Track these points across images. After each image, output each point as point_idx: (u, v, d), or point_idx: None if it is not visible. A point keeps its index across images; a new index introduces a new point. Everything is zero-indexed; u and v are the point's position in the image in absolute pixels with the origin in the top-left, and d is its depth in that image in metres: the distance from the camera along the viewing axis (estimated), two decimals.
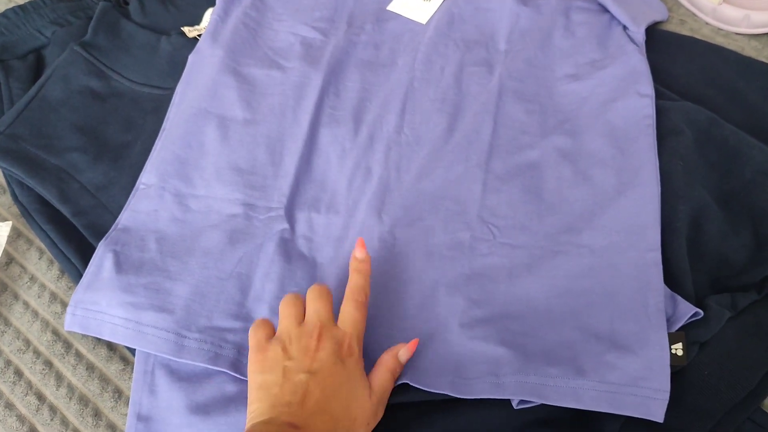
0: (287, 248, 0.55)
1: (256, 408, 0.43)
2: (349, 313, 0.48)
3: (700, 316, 0.48)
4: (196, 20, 0.74)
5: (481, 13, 0.70)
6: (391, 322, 0.51)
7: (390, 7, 0.72)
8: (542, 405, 0.47)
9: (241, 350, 0.51)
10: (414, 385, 0.48)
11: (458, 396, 0.47)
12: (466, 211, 0.56)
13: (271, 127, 0.62)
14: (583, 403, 0.45)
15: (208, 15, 0.73)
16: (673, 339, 0.47)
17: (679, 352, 0.46)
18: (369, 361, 0.49)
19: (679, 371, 0.47)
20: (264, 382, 0.44)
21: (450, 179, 0.58)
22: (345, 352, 0.45)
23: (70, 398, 0.53)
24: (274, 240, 0.55)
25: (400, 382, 0.48)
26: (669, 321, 0.48)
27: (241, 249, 0.55)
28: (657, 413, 0.45)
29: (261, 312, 0.52)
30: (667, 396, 0.45)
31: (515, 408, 0.47)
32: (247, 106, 0.64)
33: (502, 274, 0.53)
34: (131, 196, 0.59)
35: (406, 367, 0.49)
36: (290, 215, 0.57)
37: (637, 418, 0.45)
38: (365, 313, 0.48)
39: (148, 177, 0.60)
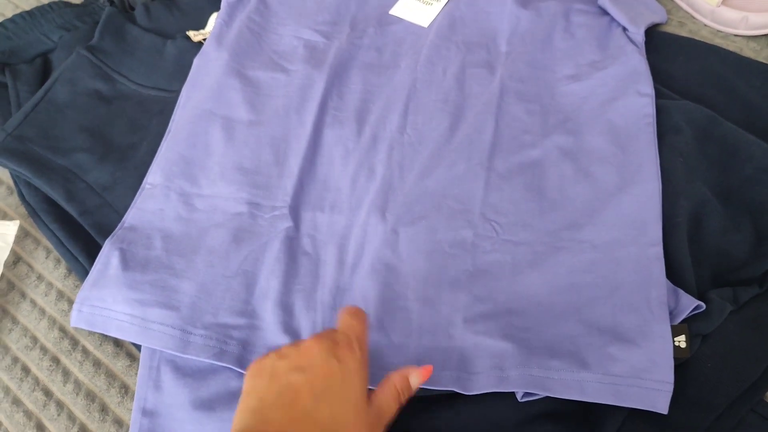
0: (292, 246, 0.56)
1: (238, 418, 0.39)
2: (347, 321, 0.45)
3: (702, 309, 0.48)
4: (200, 24, 0.75)
5: (482, 16, 0.71)
6: (395, 320, 0.52)
7: (392, 11, 0.73)
8: (546, 398, 0.47)
9: (246, 346, 0.51)
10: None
11: (464, 392, 0.47)
12: (469, 209, 0.56)
13: (276, 128, 0.63)
14: (587, 396, 0.46)
15: (213, 19, 0.74)
16: (676, 331, 0.47)
17: (682, 344, 0.47)
18: (374, 367, 0.48)
19: (681, 364, 0.48)
20: (253, 386, 0.40)
21: (452, 178, 0.58)
22: (343, 351, 0.41)
23: (77, 394, 0.53)
24: (278, 238, 0.56)
25: None
26: (671, 314, 0.48)
27: (247, 247, 0.56)
28: (661, 405, 0.45)
29: (266, 308, 0.52)
30: (671, 388, 0.45)
31: (520, 401, 0.48)
32: (251, 107, 0.64)
33: (504, 271, 0.53)
34: (137, 195, 0.59)
35: (409, 365, 0.49)
36: (295, 214, 0.58)
37: (641, 410, 0.45)
38: (364, 325, 0.45)
39: (153, 177, 0.60)
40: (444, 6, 0.72)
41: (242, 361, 0.50)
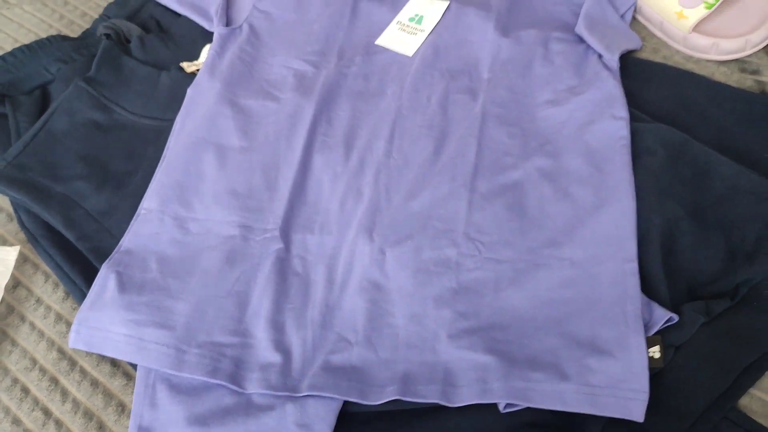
0: (282, 267, 0.58)
1: None
2: None
3: (674, 321, 0.50)
4: (194, 56, 0.78)
5: (465, 44, 0.74)
6: (382, 336, 0.53)
7: (378, 41, 0.76)
8: (527, 408, 0.49)
9: (239, 364, 0.52)
10: (405, 399, 0.50)
11: (449, 405, 0.49)
12: (453, 229, 0.58)
13: (267, 153, 0.65)
14: (567, 406, 0.47)
15: (206, 51, 0.77)
16: (650, 342, 0.49)
17: (656, 355, 0.49)
18: (363, 382, 0.50)
19: (656, 374, 0.50)
20: None
21: (437, 199, 0.60)
22: None
23: (75, 413, 0.55)
24: (270, 259, 0.58)
25: (390, 398, 0.50)
26: (646, 326, 0.50)
27: (239, 268, 0.58)
28: (637, 414, 0.47)
29: (258, 327, 0.54)
30: (646, 397, 0.47)
31: (502, 412, 0.49)
32: (243, 134, 0.67)
33: (487, 288, 0.55)
34: (133, 220, 0.61)
35: (396, 379, 0.50)
36: (285, 236, 0.60)
37: (619, 418, 0.47)
38: None
39: (149, 202, 0.62)
40: (428, 36, 0.75)
41: (235, 378, 0.52)
